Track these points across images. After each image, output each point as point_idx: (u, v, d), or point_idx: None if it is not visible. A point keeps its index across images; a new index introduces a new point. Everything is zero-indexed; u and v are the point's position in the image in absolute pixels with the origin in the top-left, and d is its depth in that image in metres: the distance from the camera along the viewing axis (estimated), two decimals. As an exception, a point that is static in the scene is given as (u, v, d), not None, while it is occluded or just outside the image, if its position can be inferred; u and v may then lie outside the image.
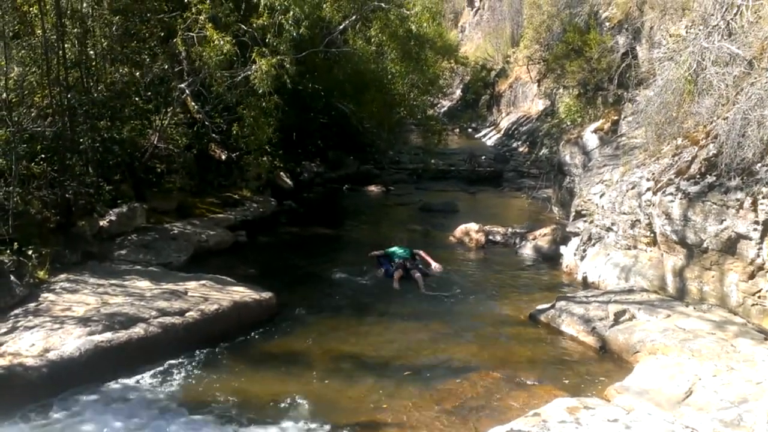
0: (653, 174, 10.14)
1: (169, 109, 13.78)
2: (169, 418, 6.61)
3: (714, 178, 8.70)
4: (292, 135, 18.88)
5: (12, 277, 8.88)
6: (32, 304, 8.52)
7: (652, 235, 9.98)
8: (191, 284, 9.68)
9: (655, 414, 6.36)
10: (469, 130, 40.02)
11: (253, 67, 12.73)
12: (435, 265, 11.94)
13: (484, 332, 9.28)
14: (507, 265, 13.03)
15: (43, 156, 11.12)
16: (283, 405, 6.93)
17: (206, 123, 14.46)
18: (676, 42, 10.92)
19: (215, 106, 14.65)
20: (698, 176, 8.99)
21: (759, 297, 8.15)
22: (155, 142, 13.54)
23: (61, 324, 7.84)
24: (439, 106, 40.05)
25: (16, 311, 8.32)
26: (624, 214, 10.68)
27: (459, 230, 14.76)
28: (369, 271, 12.07)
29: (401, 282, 11.42)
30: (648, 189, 10.04)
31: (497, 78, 41.22)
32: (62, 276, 9.61)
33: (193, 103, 14.99)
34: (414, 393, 7.28)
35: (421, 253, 12.32)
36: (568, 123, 18.81)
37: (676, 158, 9.78)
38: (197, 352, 8.16)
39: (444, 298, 10.79)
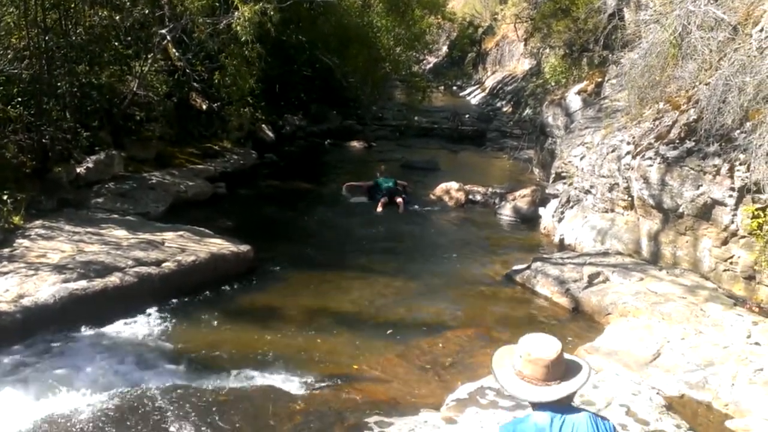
0: (633, 138, 10.17)
1: (149, 56, 13.53)
2: (143, 367, 6.63)
3: (693, 144, 8.75)
4: (275, 87, 18.69)
5: (-14, 222, 8.80)
6: (6, 250, 8.45)
7: (629, 198, 10.05)
8: (168, 235, 9.64)
9: (622, 374, 6.48)
10: (454, 88, 39.74)
11: (236, 13, 12.50)
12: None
13: (460, 291, 9.36)
14: (485, 224, 13.09)
15: (19, 99, 10.93)
16: (258, 357, 6.98)
17: (187, 71, 14.24)
18: (662, 4, 10.85)
19: (197, 54, 14.42)
20: (677, 141, 9.03)
21: (731, 263, 8.28)
22: (135, 89, 13.31)
23: (35, 270, 7.79)
24: (424, 62, 39.63)
25: (-10, 256, 8.26)
26: (603, 177, 10.73)
27: (439, 188, 14.77)
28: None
29: (385, 207, 13.53)
30: (628, 153, 10.07)
31: (484, 35, 40.83)
32: (38, 222, 9.52)
33: (174, 50, 14.74)
34: (388, 349, 7.36)
35: (405, 183, 14.62)
36: (553, 84, 18.76)
37: (657, 122, 9.80)
38: (173, 302, 8.16)
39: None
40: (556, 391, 2.98)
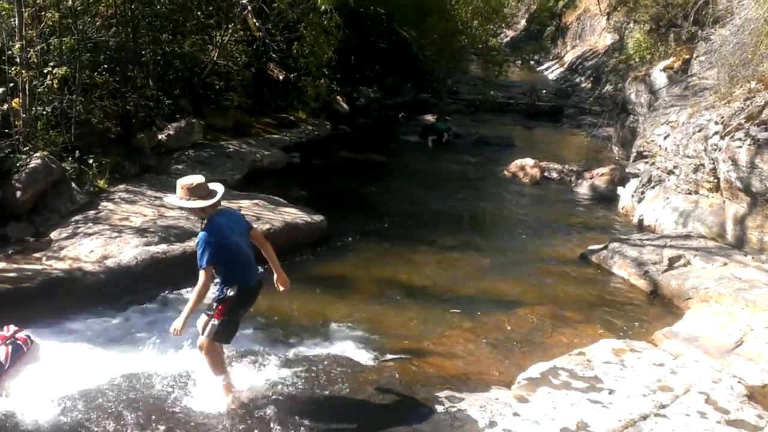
0: (722, 117, 9.75)
1: (230, 25, 13.71)
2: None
3: (787, 126, 8.32)
4: (351, 59, 18.68)
5: (73, 184, 9.13)
6: (92, 212, 8.77)
7: (715, 180, 9.67)
8: (244, 203, 9.79)
9: (702, 361, 6.27)
10: (532, 62, 38.96)
11: (316, -17, 12.52)
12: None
13: (534, 268, 9.22)
14: (561, 202, 12.85)
15: (105, 66, 11.25)
16: (329, 326, 7.04)
17: (266, 41, 14.36)
18: (759, -21, 10.32)
19: (276, 24, 14.52)
20: (770, 122, 8.61)
21: (822, 251, 7.88)
22: (215, 59, 13.54)
23: (119, 233, 8.06)
24: (502, 36, 38.87)
25: (77, 217, 8.59)
26: (688, 157, 10.34)
27: (514, 165, 14.55)
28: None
29: (434, 144, 17.27)
30: (715, 133, 9.66)
31: (564, 9, 39.82)
32: (121, 186, 9.83)
33: (254, 20, 14.88)
34: (459, 324, 7.30)
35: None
36: (637, 59, 18.16)
37: (748, 102, 9.37)
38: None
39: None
40: (209, 202, 4.90)
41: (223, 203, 9.35)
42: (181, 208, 5.32)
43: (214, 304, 5.08)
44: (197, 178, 5.02)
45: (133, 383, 5.45)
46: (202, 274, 4.85)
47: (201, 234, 4.88)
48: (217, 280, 5.07)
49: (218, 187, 5.09)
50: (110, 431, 4.85)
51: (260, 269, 5.54)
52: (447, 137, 17.46)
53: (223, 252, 4.89)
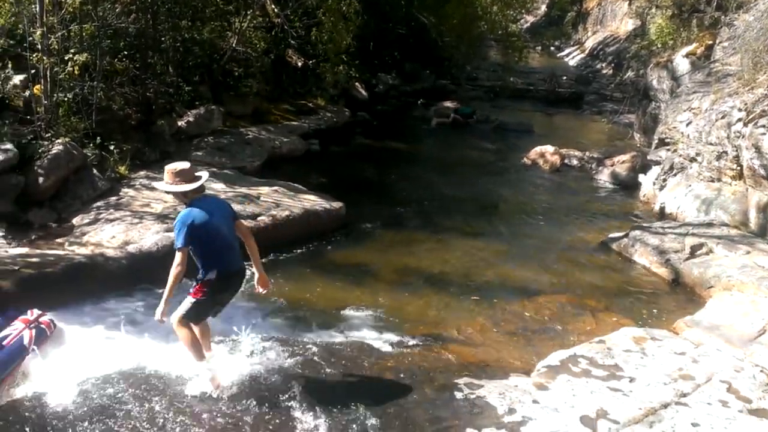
0: (746, 104, 9.62)
1: (248, 12, 13.70)
2: (238, 317, 6.79)
3: (813, 112, 8.19)
4: (370, 45, 18.62)
5: (95, 171, 9.19)
6: (113, 198, 8.83)
7: (738, 168, 9.55)
8: (264, 189, 9.82)
9: (724, 350, 6.22)
10: (552, 48, 38.59)
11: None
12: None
13: (553, 256, 9.17)
14: (581, 190, 12.76)
15: (125, 53, 11.28)
16: (349, 312, 7.05)
17: (285, 27, 14.34)
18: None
19: (294, 10, 14.50)
20: (796, 109, 8.48)
21: None
22: (234, 45, 13.54)
23: (140, 219, 8.12)
24: (521, 21, 38.51)
25: (98, 204, 8.66)
26: (710, 144, 10.22)
27: (534, 152, 14.45)
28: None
29: (441, 125, 17.84)
30: (739, 120, 9.54)
31: (586, -6, 39.37)
32: (142, 173, 9.88)
33: (272, 6, 14.87)
34: (478, 311, 7.30)
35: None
36: (659, 45, 17.95)
37: (773, 89, 9.22)
38: (268, 256, 8.29)
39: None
40: (192, 185, 5.01)
41: (242, 189, 9.56)
42: (167, 193, 5.49)
43: (193, 283, 5.17)
44: (183, 164, 5.14)
45: (155, 369, 5.50)
46: (177, 255, 4.89)
47: (179, 215, 4.96)
48: (198, 264, 5.11)
49: (203, 173, 5.24)
50: (129, 417, 4.90)
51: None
52: (453, 117, 17.94)
53: (202, 234, 4.92)
